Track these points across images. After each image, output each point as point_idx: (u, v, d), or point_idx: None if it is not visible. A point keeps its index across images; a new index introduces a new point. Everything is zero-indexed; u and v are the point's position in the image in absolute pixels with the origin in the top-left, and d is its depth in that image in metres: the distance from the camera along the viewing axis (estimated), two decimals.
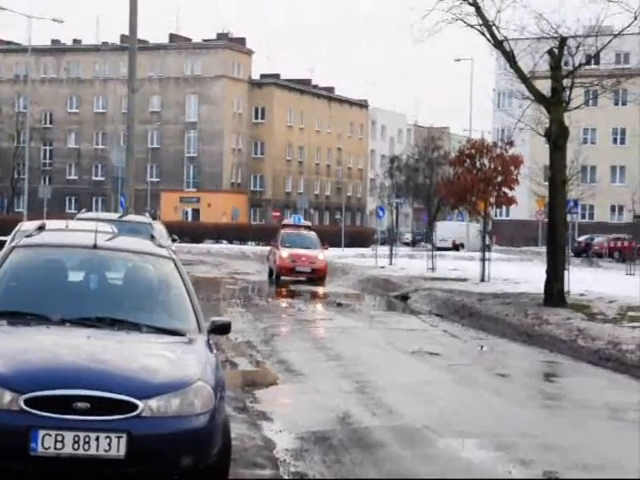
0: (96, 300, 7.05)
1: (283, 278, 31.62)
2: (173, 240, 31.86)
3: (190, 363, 6.23)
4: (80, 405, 5.68)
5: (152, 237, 8.25)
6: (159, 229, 27.27)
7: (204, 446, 5.97)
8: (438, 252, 37.78)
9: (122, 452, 5.68)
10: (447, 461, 8.01)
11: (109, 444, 5.66)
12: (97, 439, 5.65)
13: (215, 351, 6.90)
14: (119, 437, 5.68)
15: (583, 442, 9.01)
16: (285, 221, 41.67)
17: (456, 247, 62.88)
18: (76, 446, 5.62)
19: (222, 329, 7.12)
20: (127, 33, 24.82)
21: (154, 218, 29.57)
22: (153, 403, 5.82)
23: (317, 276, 31.75)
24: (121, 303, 7.01)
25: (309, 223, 41.37)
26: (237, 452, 7.61)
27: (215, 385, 6.16)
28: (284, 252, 31.95)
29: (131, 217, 19.61)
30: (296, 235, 34.18)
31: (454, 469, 7.71)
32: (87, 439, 5.64)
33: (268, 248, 36.41)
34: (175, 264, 7.45)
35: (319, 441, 8.47)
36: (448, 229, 64.02)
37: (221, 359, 12.92)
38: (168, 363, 6.17)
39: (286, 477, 7.27)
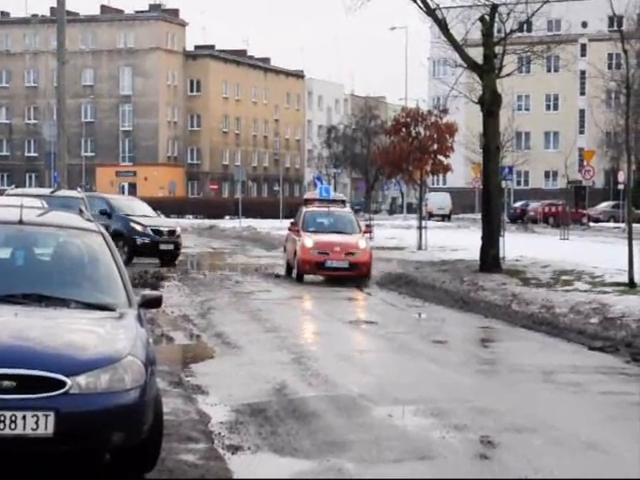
0: (23, 277, 6.92)
1: (307, 277, 22.05)
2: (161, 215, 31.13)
3: (120, 338, 6.15)
4: (5, 384, 5.58)
5: (80, 211, 8.12)
6: (141, 207, 26.82)
7: (135, 422, 5.91)
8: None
9: (50, 430, 5.59)
10: (381, 429, 8.04)
11: (36, 423, 5.57)
12: (24, 418, 5.56)
13: (146, 325, 6.82)
14: (47, 415, 5.59)
15: (516, 405, 9.11)
16: (308, 194, 28.94)
17: (449, 215, 64.74)
18: (2, 425, 5.53)
19: (153, 303, 7.04)
20: (56, 5, 24.35)
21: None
22: (82, 380, 5.74)
23: (358, 273, 21.43)
24: (49, 279, 6.89)
25: (343, 196, 29.42)
26: (171, 427, 7.56)
27: (146, 360, 6.08)
28: (308, 240, 21.65)
29: (63, 192, 19.35)
30: (325, 214, 23.69)
31: (388, 437, 7.75)
32: (13, 418, 5.54)
33: (285, 233, 25.93)
34: (104, 238, 7.34)
35: (255, 413, 8.44)
36: (440, 198, 65.46)
37: (157, 333, 12.89)
38: (97, 339, 6.08)
39: (220, 450, 7.23)
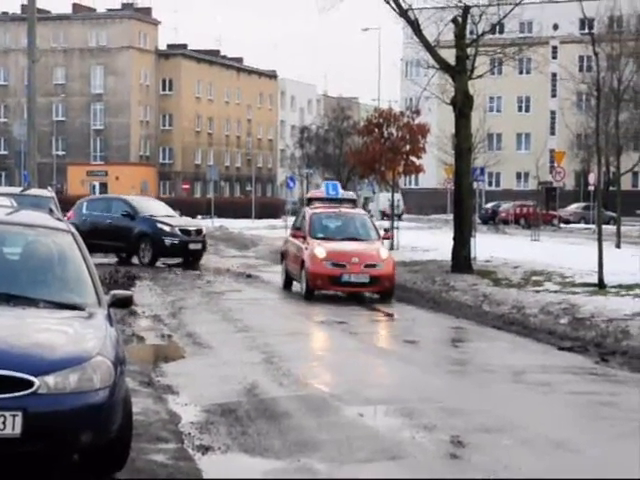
0: None
1: (319, 293, 18.44)
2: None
3: (89, 338, 6.13)
4: None
5: (50, 210, 8.09)
6: (162, 207, 26.48)
7: (104, 422, 5.89)
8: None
9: (18, 430, 5.56)
10: (352, 429, 8.05)
11: (4, 423, 5.54)
12: None
13: (116, 325, 6.80)
14: (14, 415, 5.56)
15: (487, 405, 9.15)
16: (312, 193, 24.09)
17: (401, 215, 65.79)
18: None
19: (123, 302, 7.02)
20: (27, 2, 24.19)
21: (59, 192, 29.04)
22: (50, 379, 5.72)
23: (380, 289, 18.15)
24: (17, 278, 6.85)
25: (353, 195, 24.22)
26: (141, 427, 7.54)
27: (115, 359, 6.07)
28: (319, 249, 18.34)
29: (33, 191, 19.20)
30: (335, 217, 20.15)
31: (359, 437, 7.76)
32: None
33: (283, 238, 23.05)
34: (74, 237, 7.31)
35: (225, 413, 8.43)
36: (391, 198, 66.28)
37: (128, 333, 12.83)
38: (66, 338, 6.06)
39: (190, 450, 7.21)
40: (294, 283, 19.61)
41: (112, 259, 25.68)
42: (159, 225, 24.90)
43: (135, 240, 24.74)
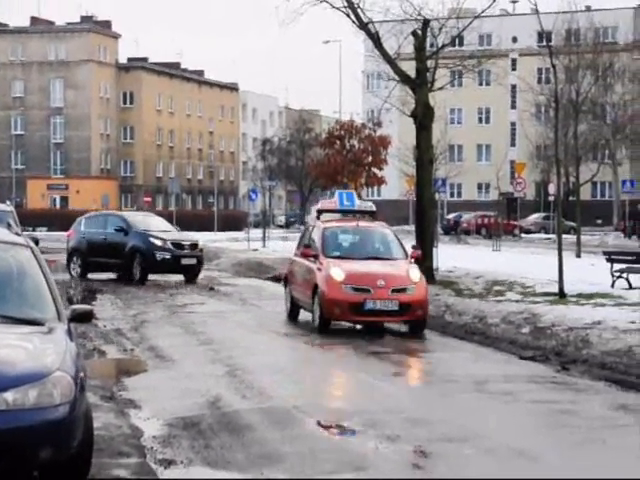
0: None
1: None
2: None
3: (48, 353, 6.09)
4: None
5: (8, 225, 8.02)
6: (159, 222, 25.65)
7: (64, 438, 5.84)
8: None
9: None
10: (315, 441, 8.04)
11: None
12: None
13: (76, 340, 6.74)
14: None
15: (449, 415, 9.18)
16: (322, 204, 19.58)
17: None
18: None
19: (83, 317, 6.98)
20: None
21: (18, 206, 28.67)
22: (9, 396, 5.67)
23: (411, 317, 15.20)
24: None
25: (372, 206, 19.34)
26: (103, 442, 7.48)
27: (75, 375, 6.03)
28: (336, 270, 15.37)
29: None
30: (353, 232, 17.04)
31: (323, 449, 7.74)
32: None
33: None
34: (33, 252, 7.25)
35: (188, 427, 8.38)
36: None
37: (89, 347, 12.74)
38: (25, 354, 6.01)
39: (153, 464, 7.16)
40: (301, 312, 16.77)
41: (112, 275, 25.42)
42: (151, 239, 24.29)
43: (128, 256, 24.15)
